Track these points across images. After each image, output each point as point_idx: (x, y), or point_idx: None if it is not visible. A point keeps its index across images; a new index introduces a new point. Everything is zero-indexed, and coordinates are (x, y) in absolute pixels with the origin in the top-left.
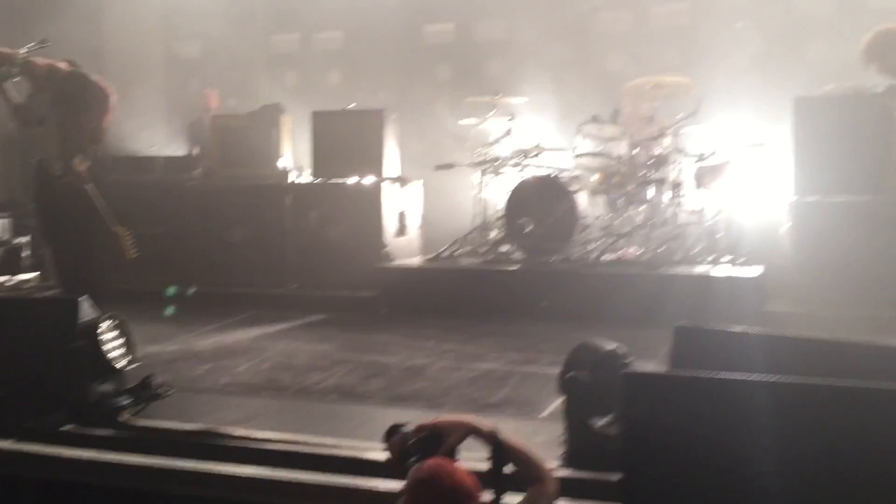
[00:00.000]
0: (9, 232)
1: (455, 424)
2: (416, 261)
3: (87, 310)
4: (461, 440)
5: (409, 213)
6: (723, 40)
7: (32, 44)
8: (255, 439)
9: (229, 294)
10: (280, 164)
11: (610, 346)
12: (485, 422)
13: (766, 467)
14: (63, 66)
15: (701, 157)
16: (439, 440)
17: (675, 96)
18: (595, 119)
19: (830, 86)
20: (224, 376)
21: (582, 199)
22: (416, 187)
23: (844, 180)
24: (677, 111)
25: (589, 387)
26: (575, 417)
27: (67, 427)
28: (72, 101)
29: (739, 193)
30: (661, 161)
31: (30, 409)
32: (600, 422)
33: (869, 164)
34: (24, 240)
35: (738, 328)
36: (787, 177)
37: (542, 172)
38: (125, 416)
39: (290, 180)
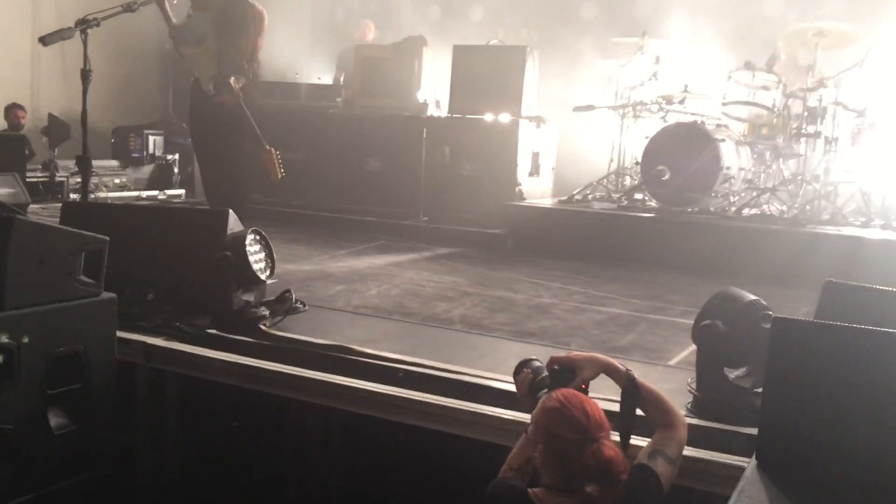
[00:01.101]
0: (161, 149)
1: (589, 359)
2: (547, 201)
3: (234, 223)
4: (594, 376)
5: (544, 153)
6: None
7: None
8: (384, 358)
9: (361, 221)
10: (420, 96)
11: (750, 297)
12: (619, 363)
13: None
14: None
15: (861, 113)
16: (572, 374)
17: (838, 46)
18: (748, 65)
19: None
20: (355, 298)
21: (727, 150)
22: (552, 127)
23: None
24: (840, 62)
25: (725, 337)
26: (708, 367)
27: (212, 331)
28: (230, 21)
29: None
30: (816, 114)
31: (180, 311)
32: (734, 373)
33: None
34: (174, 157)
35: (892, 288)
36: None
37: (686, 119)
38: (264, 326)
39: (428, 113)
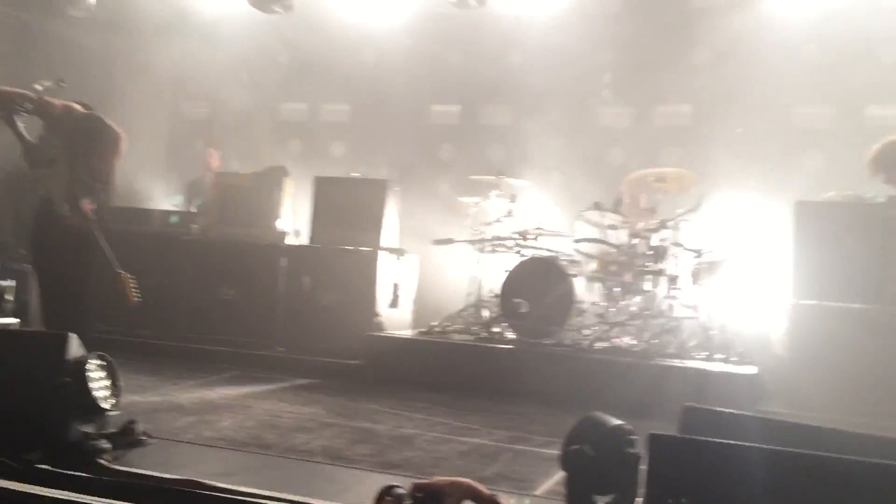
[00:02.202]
0: None
1: (454, 485)
2: (407, 332)
3: (75, 347)
4: (458, 502)
5: (404, 284)
6: (723, 143)
7: (48, 82)
8: (238, 493)
9: (214, 351)
10: (279, 225)
11: (616, 421)
12: (483, 487)
13: None
14: (78, 107)
15: (699, 253)
16: (435, 500)
17: (677, 190)
18: (597, 206)
19: (831, 193)
20: (207, 430)
21: (579, 285)
22: (412, 260)
23: (843, 286)
24: (679, 205)
25: (593, 462)
26: (577, 493)
27: (43, 466)
28: (85, 142)
29: (735, 292)
30: (659, 253)
31: (6, 443)
32: (602, 500)
33: (869, 273)
34: (8, 283)
35: (747, 412)
36: (785, 279)
37: (541, 255)
38: (104, 460)
39: (287, 242)
